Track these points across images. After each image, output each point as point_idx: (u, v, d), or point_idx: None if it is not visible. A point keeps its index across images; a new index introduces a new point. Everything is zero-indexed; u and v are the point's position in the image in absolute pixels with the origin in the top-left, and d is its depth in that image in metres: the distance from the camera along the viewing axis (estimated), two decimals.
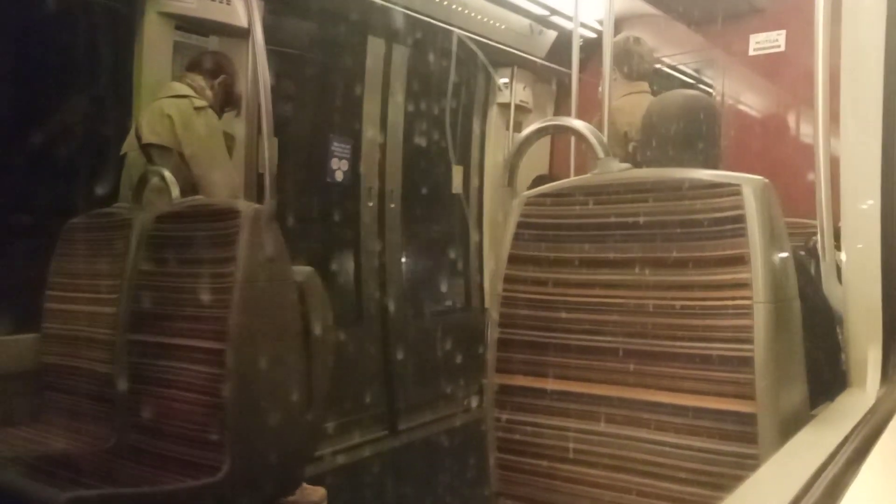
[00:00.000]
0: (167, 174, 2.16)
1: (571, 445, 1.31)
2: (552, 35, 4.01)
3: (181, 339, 1.84)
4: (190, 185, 2.24)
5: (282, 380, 1.84)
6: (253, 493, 1.76)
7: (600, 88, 2.81)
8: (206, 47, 2.70)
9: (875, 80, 1.19)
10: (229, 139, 2.49)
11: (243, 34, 2.65)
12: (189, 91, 2.39)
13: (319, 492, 2.23)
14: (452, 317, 3.93)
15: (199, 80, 2.44)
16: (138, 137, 2.33)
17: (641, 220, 1.28)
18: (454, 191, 4.03)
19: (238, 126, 2.72)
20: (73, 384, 2.12)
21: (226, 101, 2.56)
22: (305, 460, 2.11)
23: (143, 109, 2.45)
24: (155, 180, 2.19)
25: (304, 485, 2.14)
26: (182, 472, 1.74)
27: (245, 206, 1.87)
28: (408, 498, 2.59)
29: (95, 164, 2.53)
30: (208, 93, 2.45)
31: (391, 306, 3.52)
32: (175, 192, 2.12)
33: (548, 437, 1.34)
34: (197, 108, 2.34)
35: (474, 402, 3.25)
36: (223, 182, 2.36)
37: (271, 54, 2.31)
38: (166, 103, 2.34)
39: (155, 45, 2.57)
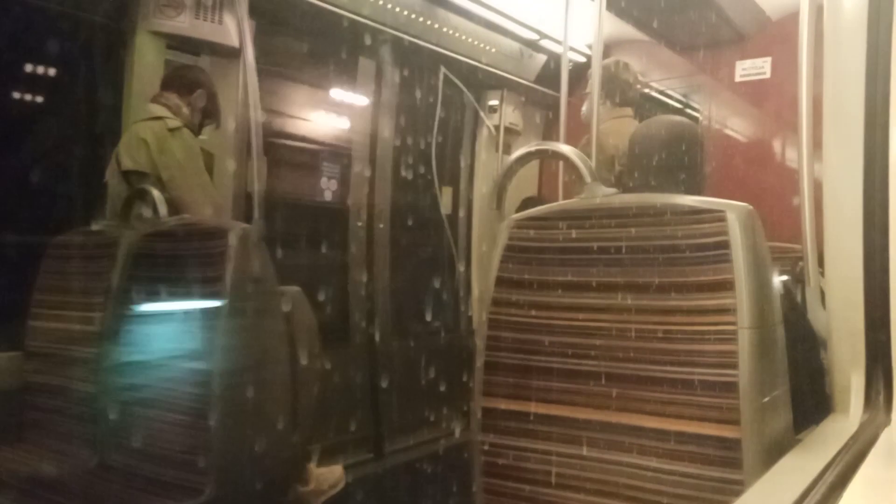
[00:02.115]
0: (155, 193, 2.15)
1: (556, 470, 1.31)
2: (542, 59, 4.04)
3: (166, 359, 1.83)
4: (172, 208, 2.22)
5: (267, 401, 1.82)
6: None
7: (583, 110, 2.84)
8: (198, 66, 2.70)
9: (857, 107, 1.21)
10: (208, 157, 2.48)
11: (235, 54, 2.65)
12: (164, 111, 2.37)
13: (336, 472, 2.19)
14: (440, 339, 3.91)
15: (174, 99, 2.42)
16: (118, 164, 2.32)
17: (627, 244, 1.29)
18: (443, 211, 4.04)
19: (227, 144, 2.71)
20: (56, 403, 2.10)
21: (204, 115, 2.53)
22: (291, 483, 2.09)
23: (123, 134, 2.43)
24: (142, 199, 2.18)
25: (314, 469, 2.10)
26: (165, 495, 1.72)
27: (233, 226, 1.87)
28: None
29: (84, 182, 2.51)
30: (185, 110, 2.43)
31: (379, 326, 3.51)
32: (163, 210, 2.12)
33: (533, 462, 1.34)
34: (171, 130, 2.33)
35: (457, 430, 3.21)
36: (203, 202, 2.34)
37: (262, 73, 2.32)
38: (141, 127, 2.33)
39: (146, 64, 2.57)
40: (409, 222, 3.77)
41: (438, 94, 3.65)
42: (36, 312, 2.23)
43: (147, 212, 2.17)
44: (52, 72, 2.47)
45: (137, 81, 2.55)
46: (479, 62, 3.75)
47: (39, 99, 2.47)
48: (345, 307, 3.47)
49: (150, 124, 2.34)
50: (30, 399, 2.16)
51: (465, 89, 3.74)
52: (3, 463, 1.96)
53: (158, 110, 2.38)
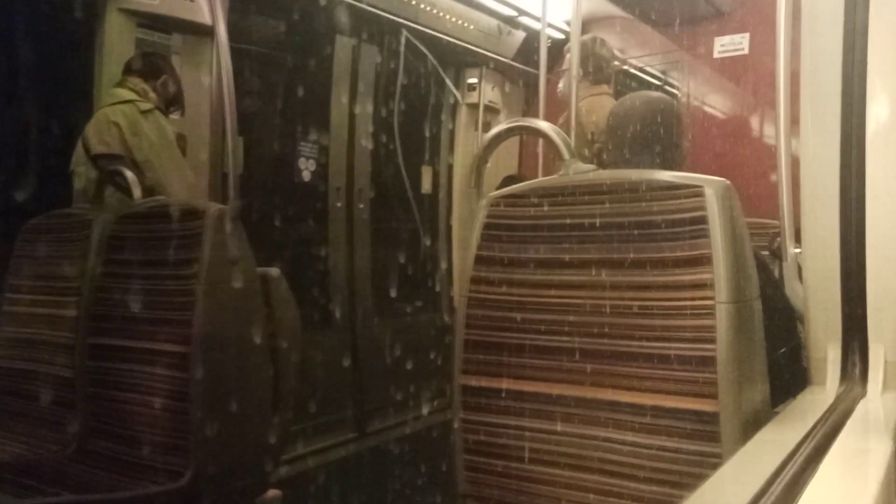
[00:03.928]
0: (129, 174, 2.12)
1: (536, 446, 1.32)
2: (520, 35, 4.02)
3: (143, 342, 1.81)
4: (146, 190, 2.20)
5: (247, 383, 1.81)
6: (218, 498, 1.74)
7: (559, 87, 2.84)
8: (169, 45, 2.66)
9: (833, 83, 1.22)
10: (180, 139, 2.46)
11: (207, 32, 2.61)
12: (132, 95, 2.35)
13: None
14: (421, 318, 3.92)
15: (141, 83, 2.40)
16: (87, 149, 2.28)
17: (603, 221, 1.29)
18: (423, 191, 4.03)
19: (202, 125, 2.68)
20: (32, 389, 2.07)
21: (169, 101, 2.52)
22: (272, 464, 2.09)
23: (89, 119, 2.40)
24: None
25: None
26: (145, 478, 1.71)
27: (209, 207, 1.84)
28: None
29: (56, 165, 2.47)
30: (152, 95, 2.41)
31: (359, 308, 3.51)
32: (137, 192, 2.09)
33: (513, 438, 1.35)
34: (143, 112, 2.31)
35: (425, 409, 3.23)
36: (179, 184, 2.33)
37: (235, 52, 2.29)
38: (111, 111, 2.31)
39: (116, 44, 2.52)
40: (389, 202, 3.75)
41: (400, 63, 3.60)
42: (9, 297, 2.20)
43: (120, 194, 2.14)
44: (18, 51, 2.41)
45: (108, 61, 2.50)
46: (458, 39, 3.72)
47: (6, 81, 2.41)
48: (325, 287, 3.46)
49: (120, 107, 2.32)
50: (6, 385, 2.13)
51: (428, 54, 3.68)
52: None
53: (126, 94, 2.35)
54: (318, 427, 3.16)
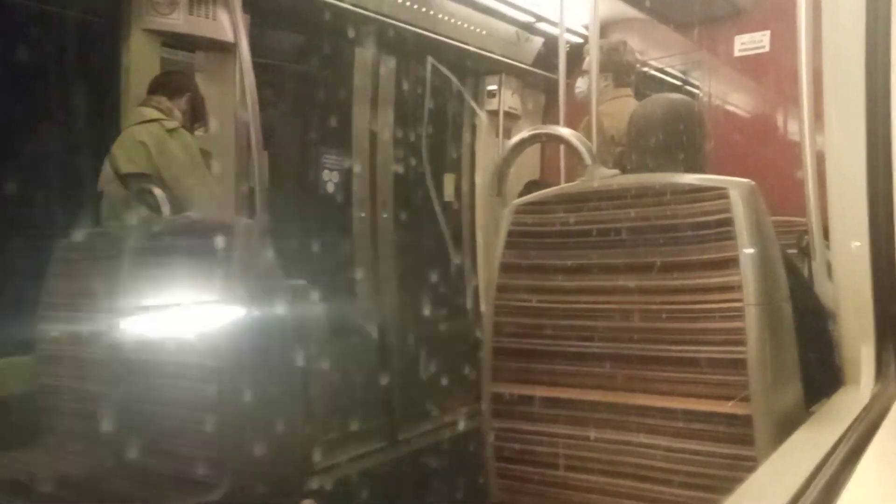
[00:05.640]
0: (158, 192, 2.15)
1: (567, 452, 1.31)
2: (539, 41, 4.02)
3: (175, 356, 1.83)
4: (174, 207, 2.23)
5: (279, 395, 1.83)
6: None
7: (577, 86, 2.82)
8: (193, 63, 2.70)
9: (857, 78, 1.20)
10: (205, 154, 2.49)
11: (230, 49, 2.65)
12: (157, 114, 2.38)
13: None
14: (447, 326, 3.92)
15: (165, 102, 2.43)
16: (115, 169, 2.32)
17: (628, 226, 1.28)
18: (447, 198, 4.04)
19: (227, 141, 2.71)
20: (69, 406, 2.11)
21: (194, 118, 2.55)
22: (305, 474, 2.10)
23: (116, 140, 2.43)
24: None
25: None
26: (181, 491, 1.73)
27: (237, 221, 1.86)
28: None
29: (86, 185, 2.52)
30: (177, 112, 2.44)
31: (385, 316, 3.52)
32: (166, 209, 2.12)
33: (544, 445, 1.34)
34: (169, 131, 2.34)
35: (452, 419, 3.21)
36: (208, 200, 2.36)
37: (258, 67, 2.32)
38: (137, 130, 2.34)
39: (142, 63, 2.57)
40: (411, 211, 3.77)
41: (425, 75, 3.61)
42: (45, 315, 2.23)
43: (150, 212, 2.17)
44: (46, 74, 2.46)
45: (134, 81, 2.54)
46: (476, 47, 3.73)
47: (35, 103, 2.46)
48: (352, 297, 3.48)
49: (146, 127, 2.35)
50: (44, 402, 2.17)
51: (451, 75, 3.70)
52: (21, 466, 1.97)
53: (151, 113, 2.39)
54: (350, 437, 3.17)
